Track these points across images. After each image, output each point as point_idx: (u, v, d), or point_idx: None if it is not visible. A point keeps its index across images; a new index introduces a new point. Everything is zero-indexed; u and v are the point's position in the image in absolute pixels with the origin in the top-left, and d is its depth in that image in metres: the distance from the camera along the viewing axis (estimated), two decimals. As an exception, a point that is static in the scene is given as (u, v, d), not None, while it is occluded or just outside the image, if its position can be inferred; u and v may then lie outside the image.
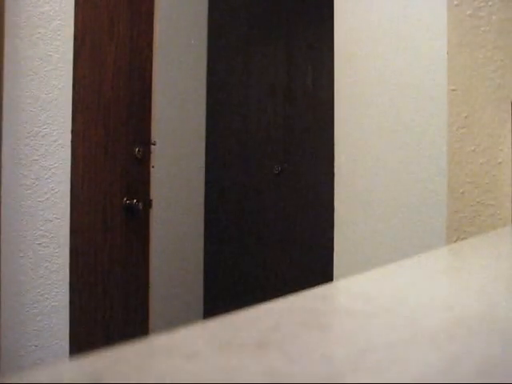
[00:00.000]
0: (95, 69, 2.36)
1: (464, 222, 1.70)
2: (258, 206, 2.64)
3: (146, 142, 2.61)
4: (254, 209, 2.64)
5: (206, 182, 2.67)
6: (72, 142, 1.81)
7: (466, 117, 1.71)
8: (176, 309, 2.60)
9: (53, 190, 1.77)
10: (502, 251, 1.00)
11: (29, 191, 1.73)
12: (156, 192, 2.55)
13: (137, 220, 2.54)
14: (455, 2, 1.70)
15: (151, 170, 2.63)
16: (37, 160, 1.74)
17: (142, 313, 2.48)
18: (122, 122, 2.51)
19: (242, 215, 2.67)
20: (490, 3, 1.69)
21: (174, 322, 2.18)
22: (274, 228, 2.60)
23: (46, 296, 1.76)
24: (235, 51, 2.59)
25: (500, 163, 1.70)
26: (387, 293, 0.60)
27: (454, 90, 1.71)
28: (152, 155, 2.65)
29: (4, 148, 1.69)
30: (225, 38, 2.59)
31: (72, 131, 1.81)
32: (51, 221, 1.76)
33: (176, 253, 2.55)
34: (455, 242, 1.70)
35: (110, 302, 2.29)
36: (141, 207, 2.46)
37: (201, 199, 2.67)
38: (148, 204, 2.55)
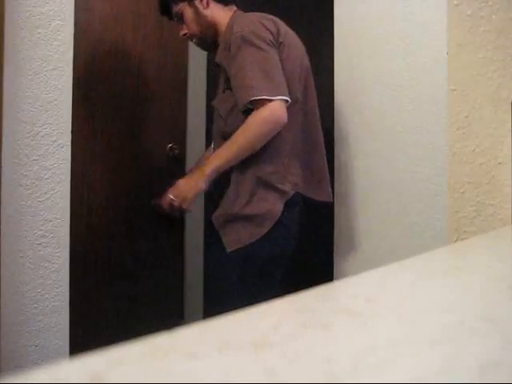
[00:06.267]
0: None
1: (464, 221, 1.70)
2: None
3: (181, 140, 2.49)
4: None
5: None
6: (89, 139, 1.81)
7: (466, 117, 1.71)
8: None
9: (53, 189, 1.77)
10: (502, 251, 1.00)
11: (29, 191, 1.73)
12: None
13: (167, 223, 2.43)
14: (455, 2, 1.70)
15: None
16: (37, 160, 1.74)
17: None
18: (153, 120, 2.43)
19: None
20: (489, 3, 1.69)
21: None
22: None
23: (46, 296, 1.76)
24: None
25: (500, 163, 1.70)
26: (387, 293, 0.60)
27: (453, 90, 1.71)
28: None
29: (4, 148, 1.69)
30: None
31: (72, 132, 1.81)
32: (51, 221, 1.76)
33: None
34: (455, 242, 1.70)
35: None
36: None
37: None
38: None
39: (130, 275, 2.34)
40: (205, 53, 2.29)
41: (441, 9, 1.73)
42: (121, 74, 2.36)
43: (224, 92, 1.81)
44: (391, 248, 1.86)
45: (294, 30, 1.91)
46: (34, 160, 1.73)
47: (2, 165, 1.68)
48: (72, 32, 1.78)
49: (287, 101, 1.69)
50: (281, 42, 1.76)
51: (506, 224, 1.65)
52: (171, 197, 1.86)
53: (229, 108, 1.78)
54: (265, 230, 1.73)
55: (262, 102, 1.66)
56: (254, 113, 1.68)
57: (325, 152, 1.88)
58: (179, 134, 2.47)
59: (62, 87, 1.77)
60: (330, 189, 1.87)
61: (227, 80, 1.77)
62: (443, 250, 1.15)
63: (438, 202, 1.75)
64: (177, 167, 2.45)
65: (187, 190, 1.83)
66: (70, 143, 1.79)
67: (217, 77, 1.94)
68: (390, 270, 0.74)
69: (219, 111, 1.85)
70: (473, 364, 0.37)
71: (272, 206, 1.75)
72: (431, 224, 1.78)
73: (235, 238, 1.77)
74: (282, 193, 1.76)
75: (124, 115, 2.34)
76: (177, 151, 2.46)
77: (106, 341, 0.55)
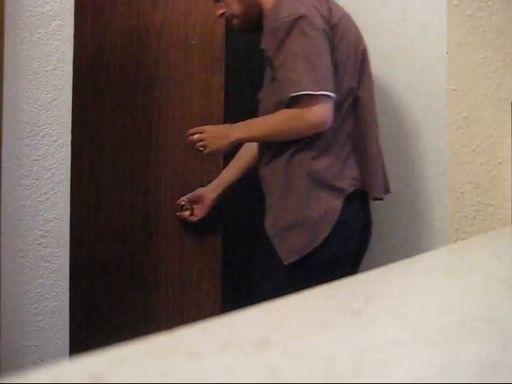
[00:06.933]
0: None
1: (464, 221, 1.70)
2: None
3: None
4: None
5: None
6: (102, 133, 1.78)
7: (465, 117, 1.71)
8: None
9: (53, 189, 1.77)
10: (502, 251, 1.00)
11: (29, 191, 1.73)
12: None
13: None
14: (455, 2, 1.70)
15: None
16: (37, 160, 1.74)
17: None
18: (177, 104, 2.08)
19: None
20: (489, 3, 1.69)
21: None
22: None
23: (46, 296, 1.77)
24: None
25: (500, 163, 1.70)
26: (387, 293, 0.60)
27: (454, 90, 1.71)
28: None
29: (4, 148, 1.69)
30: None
31: (72, 131, 1.81)
32: (51, 221, 1.76)
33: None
34: (455, 242, 1.70)
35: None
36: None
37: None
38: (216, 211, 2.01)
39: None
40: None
41: (441, 9, 1.73)
42: (135, 51, 2.06)
43: (272, 82, 1.63)
44: (391, 248, 1.86)
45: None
46: (34, 160, 1.73)
47: (2, 165, 1.68)
48: (72, 32, 1.78)
49: (331, 96, 1.53)
50: (334, 25, 1.58)
51: (506, 224, 1.65)
52: (197, 137, 1.71)
53: (278, 101, 1.60)
54: (323, 236, 1.55)
55: (306, 98, 1.52)
56: (299, 111, 1.54)
57: (379, 144, 1.68)
58: (211, 122, 2.05)
59: (61, 87, 1.77)
60: (382, 184, 1.67)
61: (273, 69, 1.61)
62: (443, 250, 1.15)
63: (439, 201, 1.75)
64: (208, 161, 2.05)
65: (212, 140, 1.69)
66: (69, 143, 1.79)
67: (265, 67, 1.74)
68: (390, 270, 0.74)
69: (266, 103, 1.67)
70: (473, 364, 0.37)
71: (329, 207, 1.57)
72: (431, 224, 1.78)
73: (291, 249, 1.57)
74: (340, 191, 1.58)
75: (140, 101, 2.07)
76: None
77: (106, 341, 0.55)
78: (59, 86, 1.77)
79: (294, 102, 1.54)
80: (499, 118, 1.69)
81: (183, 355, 0.37)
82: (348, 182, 1.59)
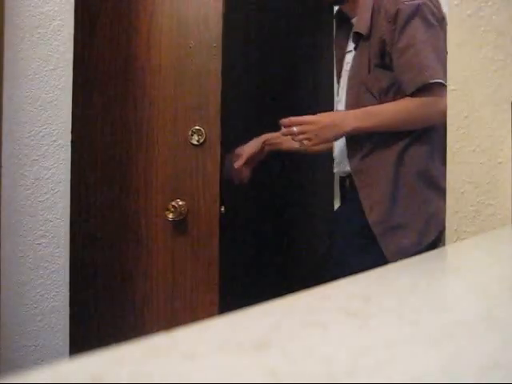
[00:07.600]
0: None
1: (464, 222, 1.70)
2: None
3: (210, 121, 1.83)
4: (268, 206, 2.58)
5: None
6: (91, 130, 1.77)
7: (465, 117, 1.71)
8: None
9: (53, 190, 1.77)
10: (502, 251, 1.00)
11: (29, 191, 1.73)
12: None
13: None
14: (455, 2, 1.70)
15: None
16: (37, 160, 1.74)
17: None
18: (164, 93, 1.91)
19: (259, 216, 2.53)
20: (489, 3, 1.69)
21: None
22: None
23: (46, 296, 1.77)
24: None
25: (500, 163, 1.70)
26: (387, 293, 0.60)
27: (454, 90, 1.71)
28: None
29: (4, 148, 1.69)
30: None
31: (72, 132, 1.81)
32: (51, 221, 1.77)
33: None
34: (455, 242, 1.70)
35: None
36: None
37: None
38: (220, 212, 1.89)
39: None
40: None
41: (441, 9, 1.73)
42: (125, 37, 1.89)
43: (373, 70, 1.54)
44: (391, 248, 1.85)
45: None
46: (34, 160, 1.73)
47: (2, 165, 1.68)
48: (72, 32, 1.78)
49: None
50: (442, 18, 1.55)
51: (506, 224, 1.65)
52: (298, 130, 1.51)
53: (384, 88, 1.52)
54: (431, 238, 1.52)
55: (439, 87, 1.45)
56: (433, 99, 1.46)
57: None
58: (208, 113, 1.83)
59: (62, 87, 1.77)
60: None
61: (381, 55, 1.53)
62: (443, 250, 1.15)
63: (438, 201, 1.75)
64: (204, 159, 1.86)
65: (322, 131, 1.50)
66: (70, 143, 1.79)
67: (339, 49, 1.66)
68: (389, 270, 0.74)
69: (363, 88, 1.56)
70: (473, 364, 0.37)
71: (437, 207, 1.50)
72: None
73: (399, 249, 1.51)
74: (443, 191, 1.52)
75: (130, 91, 1.90)
76: (202, 138, 1.83)
77: (106, 341, 0.55)
78: (59, 86, 1.77)
79: (423, 89, 1.47)
80: (499, 118, 1.69)
81: (183, 355, 0.37)
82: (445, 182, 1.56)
